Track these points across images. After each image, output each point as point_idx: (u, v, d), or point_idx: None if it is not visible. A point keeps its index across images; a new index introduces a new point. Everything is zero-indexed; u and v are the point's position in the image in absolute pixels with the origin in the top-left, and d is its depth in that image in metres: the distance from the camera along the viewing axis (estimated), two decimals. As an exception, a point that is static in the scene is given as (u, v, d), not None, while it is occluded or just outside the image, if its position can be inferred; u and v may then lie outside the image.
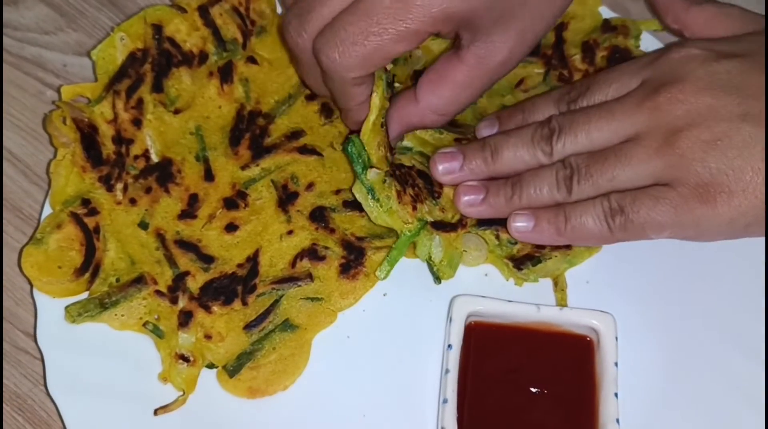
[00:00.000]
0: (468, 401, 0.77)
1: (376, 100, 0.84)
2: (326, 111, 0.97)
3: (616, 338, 0.79)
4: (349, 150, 0.86)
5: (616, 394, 0.76)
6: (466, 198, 0.87)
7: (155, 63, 0.95)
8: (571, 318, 0.80)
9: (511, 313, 0.81)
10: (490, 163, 0.87)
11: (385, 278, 0.88)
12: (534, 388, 0.78)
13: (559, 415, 0.77)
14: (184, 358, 0.83)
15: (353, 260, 0.89)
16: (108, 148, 0.92)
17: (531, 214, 0.84)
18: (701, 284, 0.87)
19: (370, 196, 0.86)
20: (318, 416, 0.82)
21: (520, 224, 0.84)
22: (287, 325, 0.86)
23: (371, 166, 0.86)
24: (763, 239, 0.84)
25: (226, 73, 0.97)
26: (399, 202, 0.86)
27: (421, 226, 0.87)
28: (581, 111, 0.84)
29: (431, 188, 0.89)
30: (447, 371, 0.77)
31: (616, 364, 0.78)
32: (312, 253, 0.89)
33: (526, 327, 0.81)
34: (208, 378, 0.84)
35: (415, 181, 0.89)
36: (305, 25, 0.82)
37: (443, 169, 0.88)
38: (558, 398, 0.78)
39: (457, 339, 0.79)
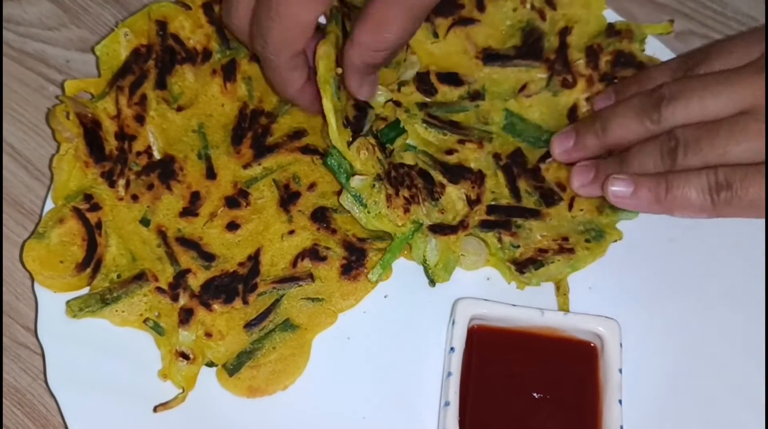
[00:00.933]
0: (470, 405, 0.77)
1: (327, 103, 0.84)
2: (328, 110, 0.97)
3: (621, 345, 0.79)
4: (329, 163, 0.88)
5: (620, 401, 0.76)
6: (576, 181, 0.86)
7: (159, 60, 0.95)
8: (575, 323, 0.80)
9: (515, 317, 0.81)
10: (601, 136, 0.84)
11: (377, 281, 0.88)
12: (537, 393, 0.78)
13: (561, 421, 0.77)
14: (184, 356, 0.82)
15: (354, 261, 0.89)
16: (111, 144, 0.91)
17: (631, 179, 0.80)
18: (705, 290, 0.87)
19: (357, 203, 0.87)
20: (317, 417, 0.82)
21: (618, 189, 0.80)
22: (288, 325, 0.86)
23: (354, 174, 0.87)
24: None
25: (229, 71, 0.97)
26: (388, 206, 0.87)
27: (414, 228, 0.87)
28: (697, 77, 0.80)
29: (432, 189, 0.89)
30: (449, 374, 0.77)
31: (620, 370, 0.78)
32: (313, 253, 0.89)
33: (529, 331, 0.81)
34: (207, 376, 0.83)
35: (413, 182, 0.89)
36: (232, 10, 0.85)
37: (559, 149, 0.87)
38: (561, 404, 0.78)
39: (459, 342, 0.79)
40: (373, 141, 0.88)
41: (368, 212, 0.87)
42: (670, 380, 0.83)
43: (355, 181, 0.86)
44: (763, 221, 0.82)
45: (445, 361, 0.79)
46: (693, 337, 0.85)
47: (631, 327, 0.81)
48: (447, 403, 0.76)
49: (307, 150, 0.95)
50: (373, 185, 0.86)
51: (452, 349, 0.78)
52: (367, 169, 0.87)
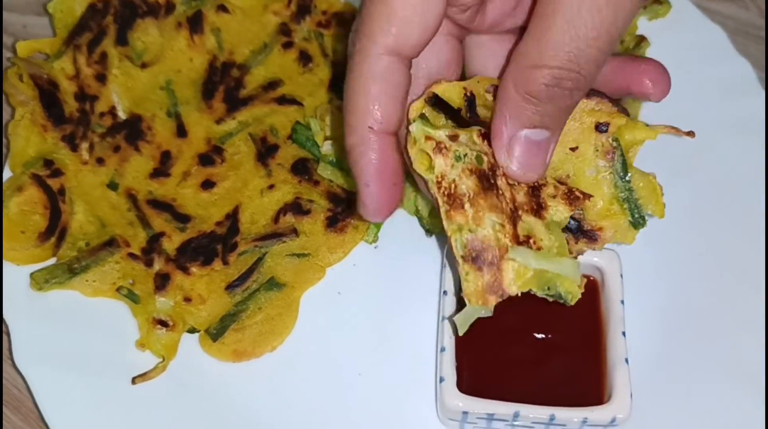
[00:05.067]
0: (467, 350, 0.71)
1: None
2: (305, 58, 0.91)
3: (621, 276, 0.73)
4: (297, 139, 0.85)
5: (623, 333, 0.71)
6: None
7: (118, 14, 0.89)
8: (575, 257, 0.74)
9: (511, 256, 0.74)
10: None
11: (374, 241, 0.83)
12: (538, 333, 0.73)
13: (565, 359, 0.72)
14: (163, 323, 0.77)
15: (340, 213, 0.83)
16: (70, 106, 0.85)
17: None
18: (704, 219, 0.82)
19: (336, 169, 0.83)
20: (309, 378, 0.76)
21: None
22: (273, 284, 0.80)
23: (326, 139, 0.83)
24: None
25: (195, 23, 0.91)
26: None
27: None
28: None
29: None
30: (443, 318, 0.71)
31: (623, 302, 0.72)
32: (296, 207, 0.83)
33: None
34: (190, 343, 0.78)
35: None
36: None
37: None
38: (563, 342, 0.73)
39: (451, 285, 0.73)
40: (339, 102, 0.84)
41: (347, 174, 0.82)
42: (673, 309, 0.78)
43: (327, 147, 0.83)
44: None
45: (440, 305, 0.73)
46: (694, 265, 0.80)
47: (632, 258, 0.75)
48: (443, 349, 0.70)
49: (284, 100, 0.89)
50: None
51: (445, 292, 0.73)
52: (336, 134, 0.83)
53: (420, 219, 0.83)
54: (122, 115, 0.87)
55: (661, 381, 0.74)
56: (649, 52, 0.89)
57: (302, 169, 0.85)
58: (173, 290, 0.78)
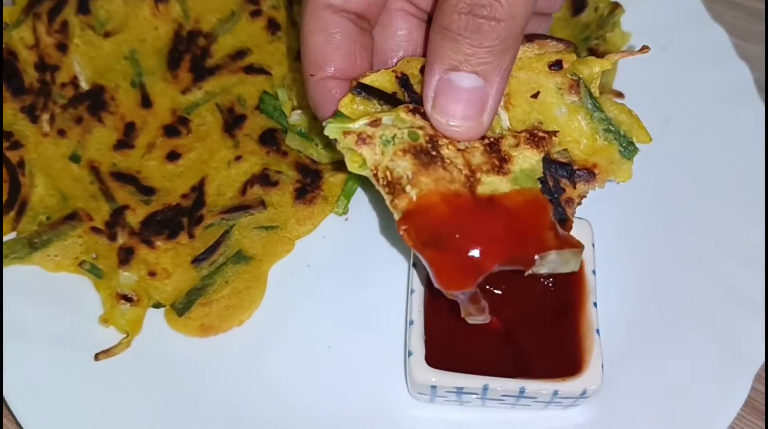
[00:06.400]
0: (437, 322, 0.70)
1: None
2: (273, 26, 0.89)
3: (593, 245, 0.71)
4: (264, 108, 0.83)
5: (595, 304, 0.69)
6: None
7: (80, -18, 0.86)
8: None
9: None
10: None
11: (344, 213, 0.81)
12: (508, 306, 0.71)
13: (535, 331, 0.70)
14: (127, 298, 0.75)
15: (309, 184, 0.81)
16: (30, 76, 0.83)
17: None
18: (676, 185, 0.81)
19: (304, 139, 0.81)
20: (278, 351, 0.75)
21: None
22: (240, 257, 0.78)
23: (293, 109, 0.81)
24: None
25: (160, -9, 0.88)
26: None
27: None
28: None
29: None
30: (412, 291, 0.70)
31: (594, 272, 0.71)
32: (263, 178, 0.81)
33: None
34: (155, 319, 0.76)
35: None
36: None
37: None
38: (534, 314, 0.71)
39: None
40: None
41: (317, 145, 0.81)
42: (646, 278, 0.77)
43: (294, 117, 0.81)
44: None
45: (409, 277, 0.72)
46: (667, 232, 0.79)
47: (603, 227, 0.74)
48: (411, 322, 0.68)
49: (251, 69, 0.87)
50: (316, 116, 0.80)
51: (414, 264, 0.71)
52: (305, 102, 0.80)
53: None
54: (84, 85, 0.84)
55: (633, 352, 0.73)
56: (627, 23, 0.87)
57: (270, 139, 0.83)
58: (137, 264, 0.77)
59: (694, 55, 0.84)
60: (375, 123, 0.56)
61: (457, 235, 0.54)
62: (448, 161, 0.55)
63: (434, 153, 0.55)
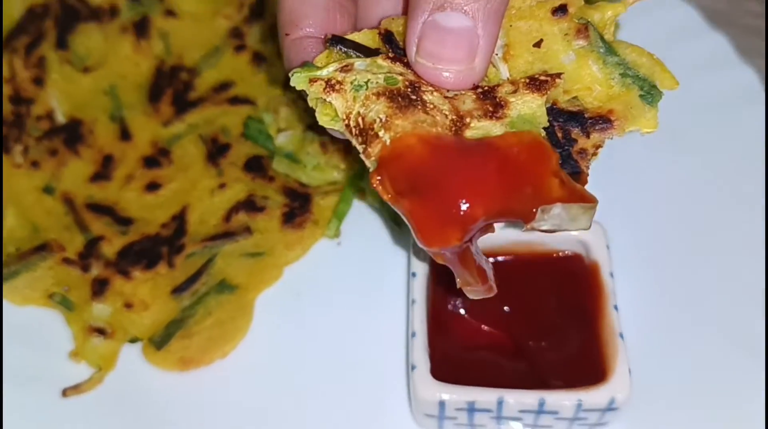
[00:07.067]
0: (442, 335, 0.63)
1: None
2: (258, 59, 0.86)
3: (608, 247, 0.66)
4: (249, 134, 0.79)
5: (615, 307, 0.63)
6: None
7: (58, 18, 0.84)
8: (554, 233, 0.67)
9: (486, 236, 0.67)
10: None
11: (336, 236, 0.76)
12: (517, 322, 0.65)
13: (551, 343, 0.64)
14: (100, 331, 0.68)
15: (298, 207, 0.76)
16: (5, 109, 0.79)
17: None
18: (688, 188, 0.77)
19: (291, 162, 0.77)
20: (266, 387, 0.68)
21: None
22: (224, 286, 0.72)
23: (279, 131, 0.78)
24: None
25: (142, 28, 0.86)
26: (324, 153, 0.76)
27: (363, 168, 0.76)
28: None
29: None
30: (413, 301, 0.64)
31: (612, 274, 0.65)
32: (249, 204, 0.76)
33: (503, 251, 0.67)
34: (130, 352, 0.69)
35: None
36: None
37: None
38: (548, 326, 0.65)
39: (421, 267, 0.65)
40: (293, 95, 0.79)
41: (305, 166, 0.77)
42: (665, 281, 0.71)
43: (281, 138, 0.77)
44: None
45: (409, 286, 0.65)
46: (683, 236, 0.74)
47: (616, 232, 0.69)
48: (414, 334, 0.62)
49: (236, 100, 0.83)
50: (304, 137, 0.77)
51: (414, 274, 0.65)
52: (291, 124, 0.78)
53: (386, 209, 0.76)
54: (61, 118, 0.81)
55: (661, 359, 0.66)
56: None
57: (256, 166, 0.79)
58: (112, 296, 0.71)
59: (696, 62, 0.81)
60: (346, 68, 0.50)
61: (438, 179, 0.46)
62: (431, 106, 0.49)
63: (414, 97, 0.49)
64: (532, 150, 0.47)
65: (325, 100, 0.50)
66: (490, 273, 0.50)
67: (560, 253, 0.67)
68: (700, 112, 0.79)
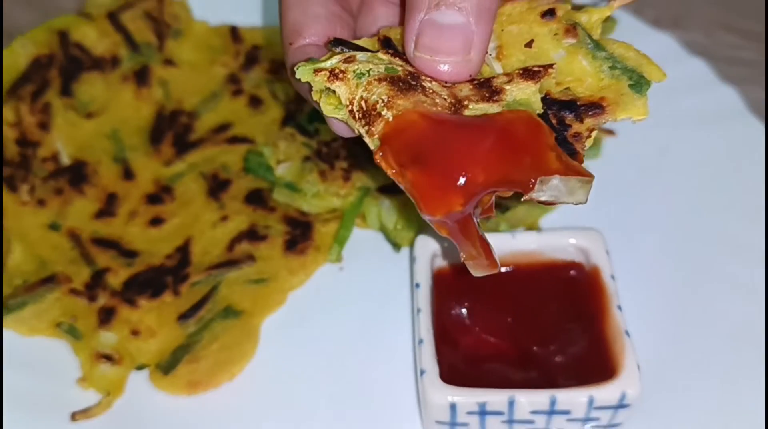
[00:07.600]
0: (448, 342, 0.64)
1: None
2: (255, 102, 0.89)
3: (607, 252, 0.67)
4: (249, 167, 0.82)
5: (619, 307, 0.64)
6: None
7: (63, 68, 0.87)
8: (552, 241, 0.69)
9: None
10: None
11: (338, 260, 0.77)
12: (521, 330, 0.66)
13: (558, 347, 0.64)
14: (107, 357, 0.68)
15: (300, 235, 0.78)
16: (11, 150, 0.81)
17: None
18: (688, 188, 0.80)
19: (291, 192, 0.79)
20: (273, 408, 0.68)
21: None
22: (229, 312, 0.73)
23: (279, 163, 0.80)
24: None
25: (142, 77, 0.89)
26: (323, 181, 0.78)
27: (362, 194, 0.78)
28: None
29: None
30: (418, 310, 0.64)
31: (613, 277, 0.66)
32: (251, 234, 0.77)
33: (503, 262, 0.68)
34: (138, 378, 0.69)
35: (350, 151, 0.80)
36: None
37: None
38: (552, 331, 0.65)
39: (424, 277, 0.67)
40: (291, 130, 0.82)
41: (305, 195, 0.79)
42: (666, 278, 0.73)
43: (281, 169, 0.80)
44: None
45: (413, 296, 0.66)
46: (683, 238, 0.76)
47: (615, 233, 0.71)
48: (421, 341, 0.62)
49: (235, 140, 0.85)
50: (303, 167, 0.79)
51: (417, 285, 0.66)
52: (290, 156, 0.80)
53: (386, 233, 0.78)
54: (66, 160, 0.83)
55: (667, 362, 0.67)
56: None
57: (256, 198, 0.81)
58: (119, 324, 0.71)
59: (679, 85, 0.84)
60: (349, 59, 0.53)
61: (439, 148, 0.48)
62: (430, 91, 0.51)
63: (414, 83, 0.52)
64: (529, 124, 0.49)
65: (328, 90, 0.52)
66: (493, 249, 0.51)
67: (560, 262, 0.69)
68: (687, 126, 0.83)
